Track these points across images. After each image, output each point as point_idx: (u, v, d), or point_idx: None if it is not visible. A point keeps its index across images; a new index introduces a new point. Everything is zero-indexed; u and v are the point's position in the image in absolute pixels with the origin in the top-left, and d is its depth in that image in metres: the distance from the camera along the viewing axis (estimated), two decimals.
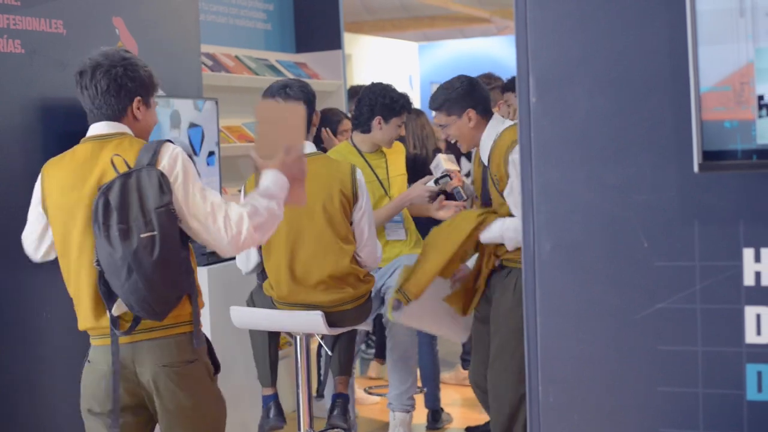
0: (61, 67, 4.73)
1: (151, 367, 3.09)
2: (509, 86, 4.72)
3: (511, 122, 4.21)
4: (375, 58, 13.32)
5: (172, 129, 5.23)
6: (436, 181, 4.87)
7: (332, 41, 7.38)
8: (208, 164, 5.47)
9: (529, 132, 2.37)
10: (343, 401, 4.55)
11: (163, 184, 2.96)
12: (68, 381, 4.69)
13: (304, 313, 4.15)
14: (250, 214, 3.05)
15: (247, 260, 4.34)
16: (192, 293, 3.10)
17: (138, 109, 3.18)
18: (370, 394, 5.81)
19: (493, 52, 14.50)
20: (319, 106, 6.48)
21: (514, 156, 4.01)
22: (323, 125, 6.07)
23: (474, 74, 5.29)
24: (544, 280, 2.35)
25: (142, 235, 2.92)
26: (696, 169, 2.13)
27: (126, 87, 3.14)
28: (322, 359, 4.67)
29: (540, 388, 2.36)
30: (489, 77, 5.21)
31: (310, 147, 4.21)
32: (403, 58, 14.04)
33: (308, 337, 4.33)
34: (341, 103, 7.25)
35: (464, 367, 6.66)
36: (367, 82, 5.53)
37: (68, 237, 3.17)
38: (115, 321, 3.04)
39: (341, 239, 4.17)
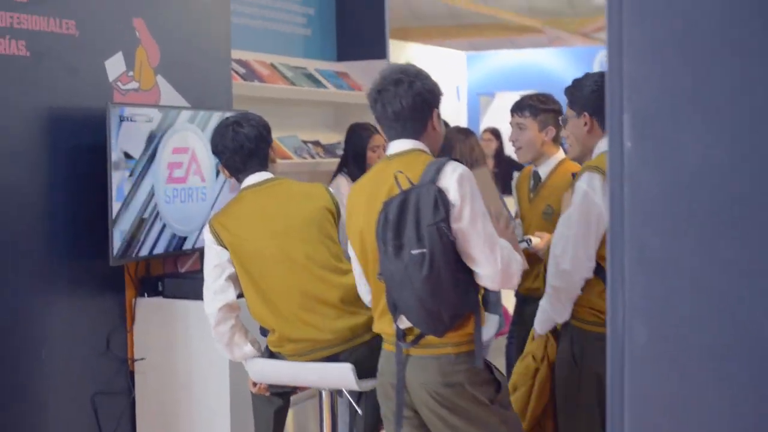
0: (72, 73, 4.27)
1: (416, 382, 3.16)
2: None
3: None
4: (421, 67, 12.80)
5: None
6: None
7: (376, 50, 6.86)
8: None
9: (621, 185, 1.83)
10: None
11: (439, 201, 2.97)
12: (68, 425, 4.24)
13: (332, 366, 3.64)
14: (515, 251, 3.14)
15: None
16: (475, 313, 3.11)
17: (436, 120, 3.26)
18: None
19: (545, 64, 13.92)
20: (359, 120, 6.00)
21: (580, 183, 3.53)
22: (354, 141, 5.66)
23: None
24: (636, 380, 1.80)
25: (412, 252, 2.95)
26: None
27: (427, 101, 3.22)
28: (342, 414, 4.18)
29: None
30: (546, 98, 4.62)
31: (262, 176, 3.84)
32: (450, 68, 13.51)
33: (335, 392, 3.83)
34: None
35: None
36: None
37: (366, 246, 3.23)
38: (400, 332, 3.15)
39: (334, 257, 3.77)
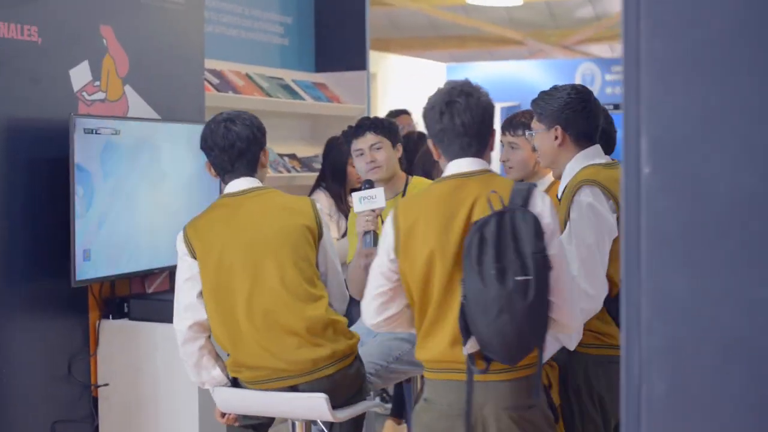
0: (34, 82, 4.06)
1: (495, 408, 3.04)
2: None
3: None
4: (401, 79, 12.63)
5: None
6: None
7: (356, 60, 6.67)
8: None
9: (638, 215, 1.62)
10: None
11: (540, 229, 2.93)
12: None
13: (305, 396, 3.44)
14: None
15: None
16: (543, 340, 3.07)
17: (492, 138, 3.19)
18: None
19: (526, 76, 13.75)
20: (338, 132, 5.77)
21: (582, 198, 3.36)
22: (333, 155, 5.48)
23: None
24: None
25: (517, 278, 2.88)
26: None
27: (492, 117, 3.16)
28: None
29: None
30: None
31: (247, 183, 3.61)
32: (430, 80, 13.35)
33: (309, 423, 3.61)
34: None
35: None
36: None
37: (434, 267, 3.04)
38: (472, 358, 3.00)
39: (307, 281, 3.52)
